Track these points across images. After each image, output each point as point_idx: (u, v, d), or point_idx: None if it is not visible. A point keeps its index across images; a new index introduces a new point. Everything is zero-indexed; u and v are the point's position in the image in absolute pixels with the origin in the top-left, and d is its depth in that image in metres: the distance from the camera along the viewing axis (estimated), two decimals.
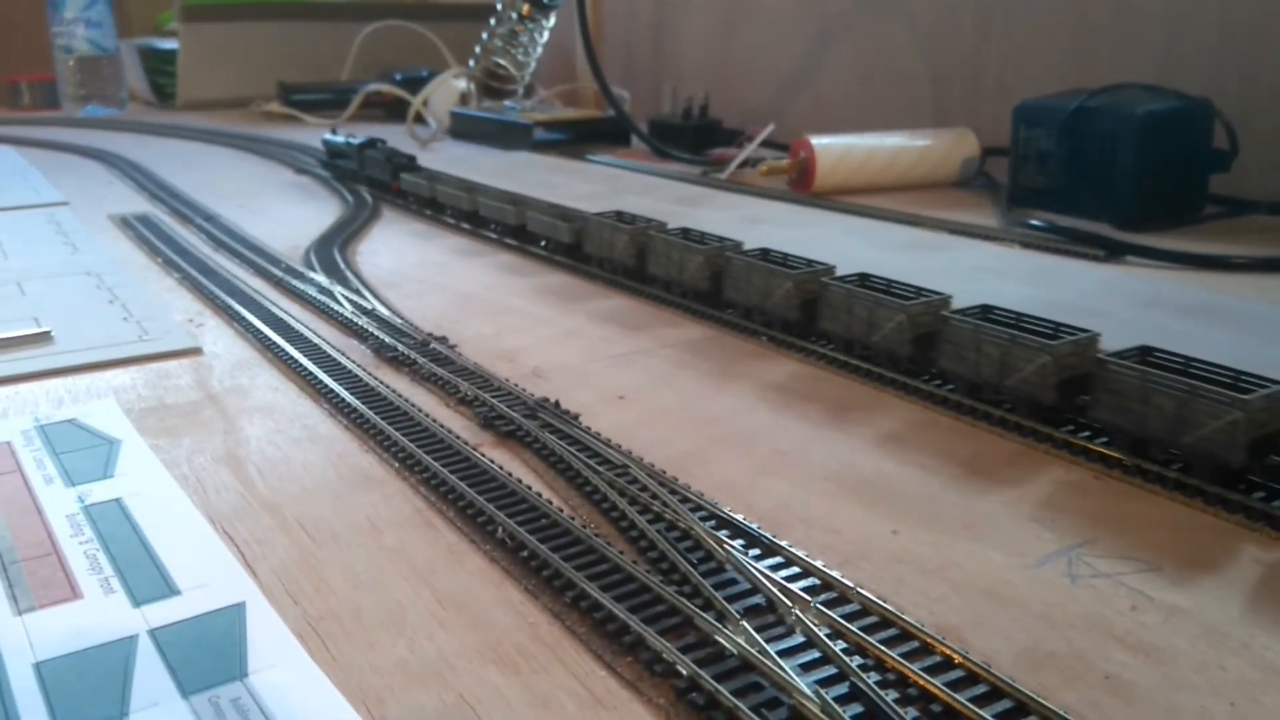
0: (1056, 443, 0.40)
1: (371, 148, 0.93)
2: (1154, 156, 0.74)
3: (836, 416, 0.44)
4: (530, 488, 0.36)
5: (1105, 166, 0.76)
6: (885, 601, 0.29)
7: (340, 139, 1.00)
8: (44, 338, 0.55)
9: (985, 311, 0.44)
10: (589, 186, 0.85)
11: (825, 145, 0.91)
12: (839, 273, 0.51)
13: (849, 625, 0.28)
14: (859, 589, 0.29)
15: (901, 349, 0.45)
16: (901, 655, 0.26)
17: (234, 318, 0.59)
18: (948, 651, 0.26)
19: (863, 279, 0.49)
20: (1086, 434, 0.39)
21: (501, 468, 0.38)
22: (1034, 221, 0.75)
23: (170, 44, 1.75)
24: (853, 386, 0.47)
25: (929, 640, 0.27)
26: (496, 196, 0.78)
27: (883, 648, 0.27)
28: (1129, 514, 0.35)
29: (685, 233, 0.60)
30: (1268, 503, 0.34)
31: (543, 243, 0.73)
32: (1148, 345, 0.39)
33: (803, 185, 0.91)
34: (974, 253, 0.63)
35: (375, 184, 0.95)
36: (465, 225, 0.83)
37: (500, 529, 0.33)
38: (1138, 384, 0.37)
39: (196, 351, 0.53)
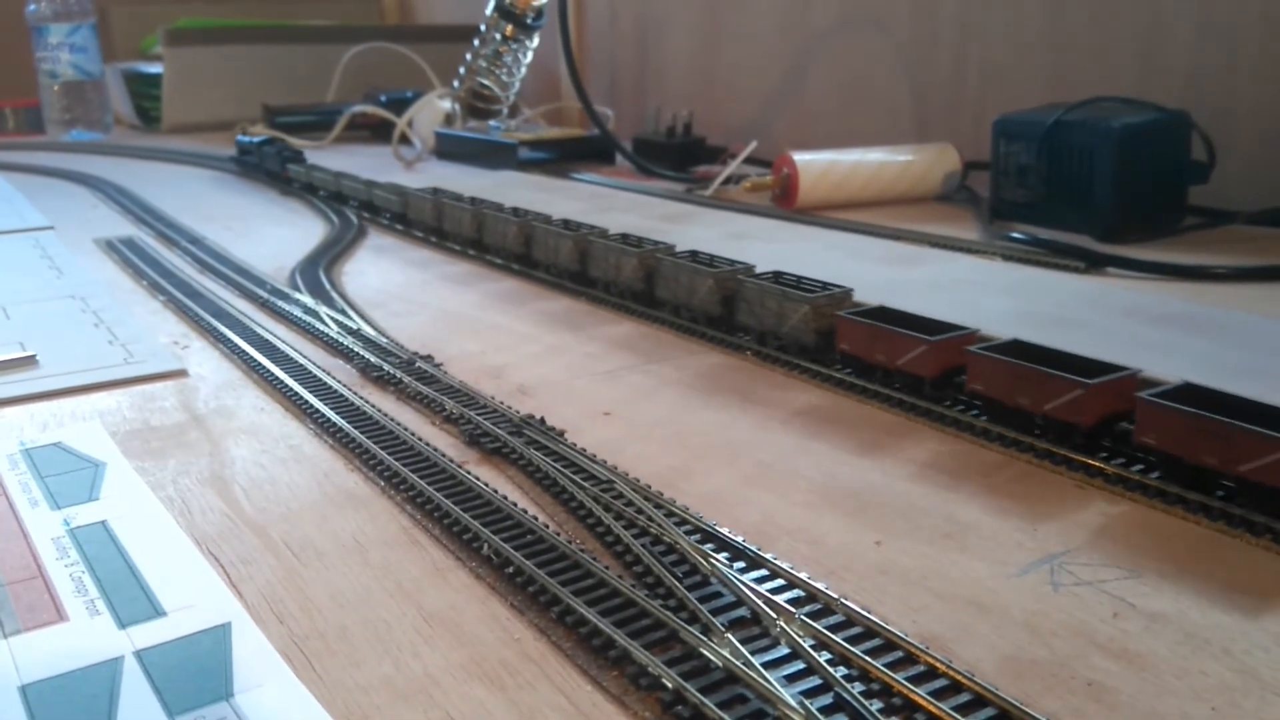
0: (1039, 453, 0.40)
1: (269, 144, 1.18)
2: (1132, 169, 0.75)
3: (817, 427, 0.44)
4: (516, 504, 0.36)
5: (1084, 179, 0.77)
6: (869, 612, 0.29)
7: (247, 139, 1.23)
8: (29, 361, 0.54)
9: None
10: (574, 204, 0.85)
11: (808, 161, 0.92)
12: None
13: (833, 636, 0.28)
14: (843, 600, 0.29)
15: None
16: (885, 665, 0.26)
17: (219, 339, 0.59)
18: (931, 661, 0.27)
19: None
20: (1068, 444, 0.40)
21: (487, 485, 0.38)
22: (1015, 234, 0.76)
23: (155, 68, 1.75)
24: (828, 395, 0.48)
25: (912, 650, 0.27)
26: (357, 181, 0.98)
27: (867, 658, 0.27)
28: (1111, 521, 0.35)
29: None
30: (1246, 509, 0.34)
31: (408, 223, 0.81)
32: (779, 270, 0.54)
33: (786, 201, 0.92)
34: (956, 266, 0.64)
35: (270, 173, 1.16)
36: (452, 245, 0.83)
37: (486, 546, 0.33)
38: (758, 292, 0.53)
39: (182, 373, 0.53)
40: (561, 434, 0.43)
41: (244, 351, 0.55)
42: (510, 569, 0.32)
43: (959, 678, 0.26)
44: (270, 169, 1.15)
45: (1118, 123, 0.75)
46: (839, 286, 0.51)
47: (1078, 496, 0.37)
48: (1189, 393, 0.37)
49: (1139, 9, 0.88)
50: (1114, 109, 0.77)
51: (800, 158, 0.92)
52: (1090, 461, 0.38)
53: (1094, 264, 0.69)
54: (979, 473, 0.39)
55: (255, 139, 1.20)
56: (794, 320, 0.49)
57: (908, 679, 0.26)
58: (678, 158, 1.16)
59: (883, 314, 0.48)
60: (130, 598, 0.31)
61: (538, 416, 0.44)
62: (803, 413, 0.46)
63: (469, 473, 0.39)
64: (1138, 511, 0.36)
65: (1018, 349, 0.42)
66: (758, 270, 0.56)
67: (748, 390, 0.49)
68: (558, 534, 0.34)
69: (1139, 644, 0.28)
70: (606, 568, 0.31)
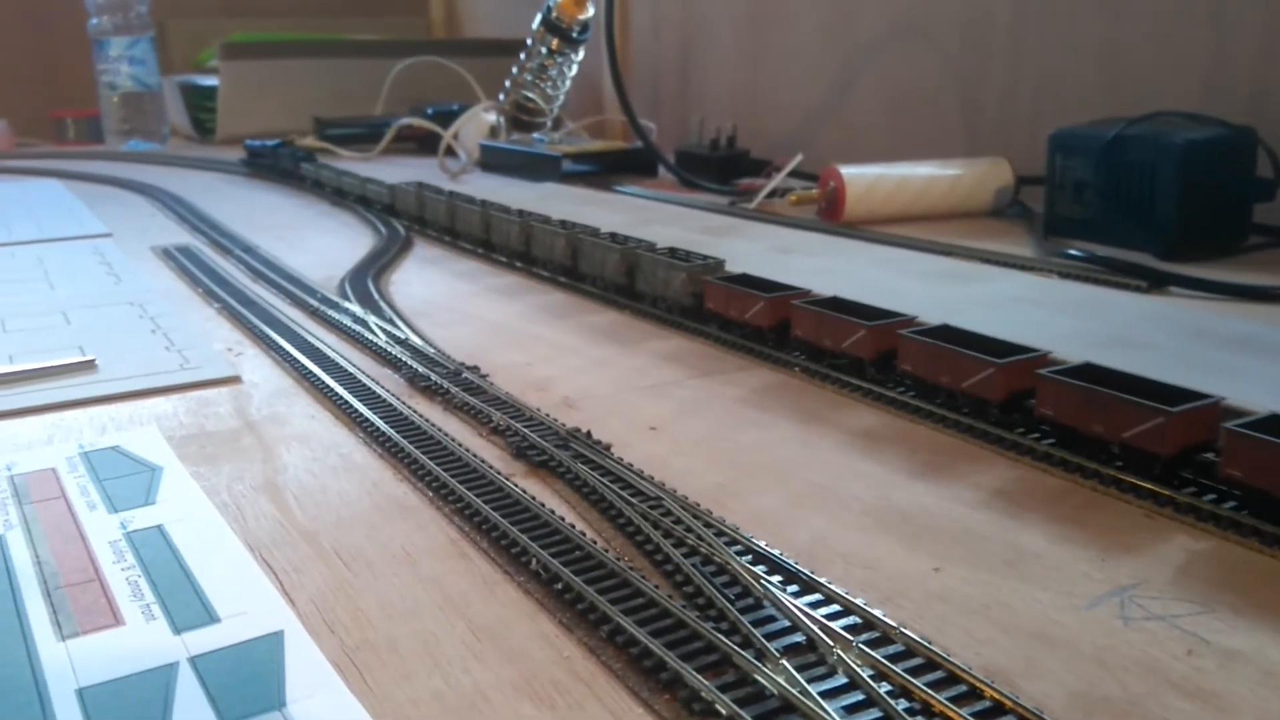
0: (1105, 479, 0.39)
1: (284, 146, 1.34)
2: (1196, 185, 0.73)
3: (868, 447, 0.43)
4: (563, 519, 0.36)
5: (1145, 196, 0.75)
6: (929, 642, 0.28)
7: (258, 144, 1.40)
8: (88, 366, 0.56)
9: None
10: (617, 216, 0.85)
11: (855, 175, 0.91)
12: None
13: (893, 667, 0.27)
14: (902, 629, 0.29)
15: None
16: (949, 699, 0.25)
17: (271, 347, 0.59)
18: (997, 696, 0.26)
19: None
20: (1143, 473, 0.38)
21: (534, 498, 0.38)
22: (1073, 251, 0.74)
23: (210, 81, 1.80)
24: (876, 414, 0.47)
25: (977, 684, 0.26)
26: (356, 178, 1.10)
27: (930, 691, 0.26)
28: (1183, 553, 0.34)
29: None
30: None
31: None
32: (675, 247, 0.64)
33: (832, 215, 0.91)
34: (1011, 283, 0.63)
35: (284, 171, 1.30)
36: (485, 252, 0.84)
37: (534, 560, 0.33)
38: (654, 261, 0.62)
39: (236, 380, 0.54)
40: (608, 448, 0.42)
41: (295, 359, 0.56)
42: (559, 585, 0.32)
43: (1028, 714, 0.25)
44: (285, 167, 1.30)
45: (1181, 138, 0.73)
46: (714, 258, 0.60)
47: (1148, 527, 0.36)
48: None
49: (1202, 21, 0.85)
50: (1177, 124, 0.75)
51: (847, 171, 0.91)
52: (1161, 490, 0.37)
53: (1156, 283, 0.66)
54: (1042, 499, 0.38)
55: (268, 143, 1.38)
56: (675, 285, 0.59)
57: (974, 715, 0.25)
58: (721, 170, 1.15)
59: (743, 279, 0.57)
60: (185, 603, 0.31)
61: (584, 430, 0.44)
62: (855, 433, 0.45)
63: (516, 485, 0.39)
64: (1211, 543, 0.34)
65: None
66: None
67: (796, 407, 0.48)
68: (606, 550, 0.33)
69: (1216, 683, 0.27)
70: (656, 587, 0.31)
